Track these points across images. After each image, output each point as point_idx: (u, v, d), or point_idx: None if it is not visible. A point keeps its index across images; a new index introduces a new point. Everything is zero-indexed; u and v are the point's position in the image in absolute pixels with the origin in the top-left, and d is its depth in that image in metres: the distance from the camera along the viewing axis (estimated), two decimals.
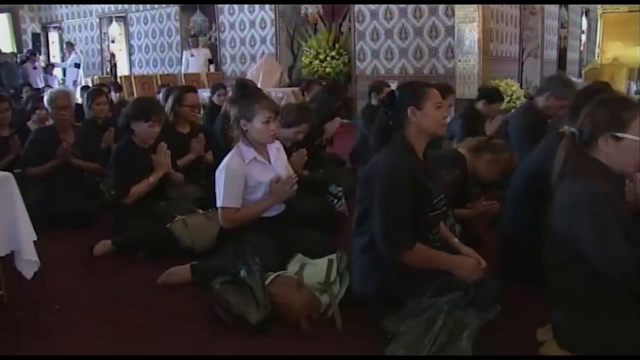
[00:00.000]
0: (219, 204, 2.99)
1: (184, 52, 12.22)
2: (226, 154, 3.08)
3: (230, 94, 6.66)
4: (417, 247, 2.39)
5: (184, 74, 11.68)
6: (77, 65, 13.47)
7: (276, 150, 3.15)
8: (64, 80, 13.92)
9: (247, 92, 3.11)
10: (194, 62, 12.00)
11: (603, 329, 1.89)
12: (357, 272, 2.58)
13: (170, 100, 4.33)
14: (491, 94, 5.07)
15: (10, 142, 4.35)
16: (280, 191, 3.03)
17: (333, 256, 2.76)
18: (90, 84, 11.51)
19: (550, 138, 2.85)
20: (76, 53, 13.78)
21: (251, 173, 2.97)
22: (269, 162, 3.07)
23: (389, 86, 5.40)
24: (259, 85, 9.38)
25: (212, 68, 11.89)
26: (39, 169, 4.16)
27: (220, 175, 2.98)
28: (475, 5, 8.47)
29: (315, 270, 2.70)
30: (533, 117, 3.79)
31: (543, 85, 4.07)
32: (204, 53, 11.89)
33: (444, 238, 2.65)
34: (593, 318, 1.90)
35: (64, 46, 14.27)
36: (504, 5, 9.26)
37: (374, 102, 5.58)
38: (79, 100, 8.28)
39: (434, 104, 2.43)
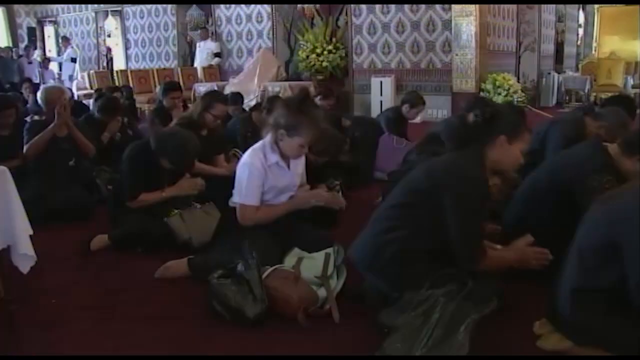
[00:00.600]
0: (238, 199, 2.95)
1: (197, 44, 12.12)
2: None
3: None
4: (489, 253, 2.43)
5: (180, 68, 11.66)
6: (74, 60, 13.40)
7: (299, 161, 3.11)
8: (60, 74, 13.86)
9: (304, 107, 2.89)
10: (198, 54, 11.90)
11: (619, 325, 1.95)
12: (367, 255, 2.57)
13: (200, 104, 4.34)
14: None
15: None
16: (307, 200, 3.06)
17: (330, 250, 2.76)
18: (86, 79, 11.50)
19: (582, 149, 2.90)
20: (72, 47, 13.71)
21: (269, 175, 2.94)
22: (288, 167, 3.02)
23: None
24: (255, 80, 9.42)
25: (216, 62, 11.56)
26: (37, 138, 4.09)
27: (242, 170, 2.93)
28: None
29: (312, 264, 2.70)
30: (577, 131, 3.77)
31: (602, 113, 3.96)
32: (207, 46, 11.68)
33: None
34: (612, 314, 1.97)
35: (60, 41, 14.14)
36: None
37: (405, 113, 5.57)
38: (76, 96, 8.30)
39: (522, 147, 2.46)
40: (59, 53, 15.28)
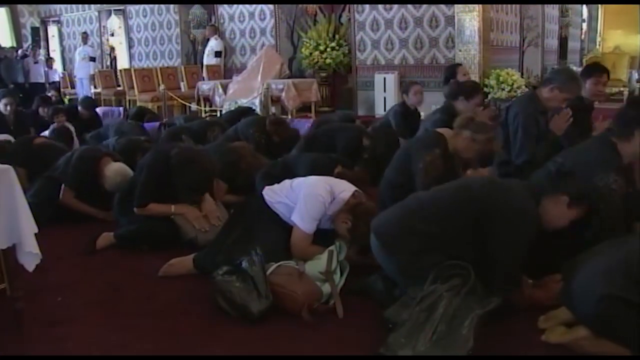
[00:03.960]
0: (298, 223, 2.91)
1: None
2: None
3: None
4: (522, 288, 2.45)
5: (184, 67, 11.65)
6: (93, 59, 13.17)
7: None
8: (63, 74, 13.84)
9: (366, 221, 2.81)
10: (204, 52, 11.81)
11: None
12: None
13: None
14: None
15: None
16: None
17: (333, 247, 2.77)
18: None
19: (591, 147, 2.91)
20: (90, 46, 13.46)
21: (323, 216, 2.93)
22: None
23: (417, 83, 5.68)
24: (259, 77, 9.41)
25: (215, 61, 11.40)
26: (75, 205, 4.03)
27: (309, 195, 2.89)
28: None
29: (316, 260, 2.71)
30: (535, 106, 3.78)
31: (548, 76, 4.04)
32: (210, 44, 11.60)
33: None
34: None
35: (80, 38, 13.72)
36: None
37: (407, 101, 5.61)
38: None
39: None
40: (63, 52, 15.29)
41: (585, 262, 2.18)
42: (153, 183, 3.48)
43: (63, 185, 3.96)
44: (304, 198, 2.89)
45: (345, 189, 2.95)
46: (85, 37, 13.33)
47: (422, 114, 5.91)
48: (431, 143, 3.38)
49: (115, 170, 3.87)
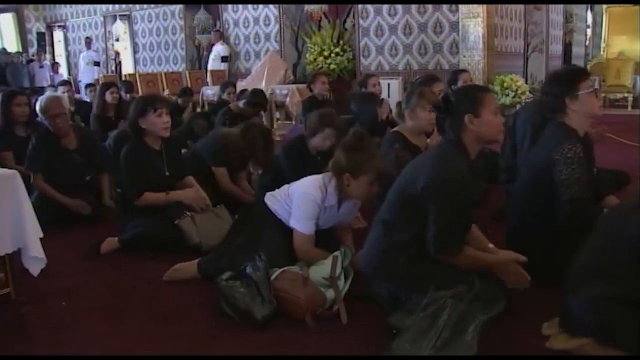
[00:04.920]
0: (296, 226, 2.91)
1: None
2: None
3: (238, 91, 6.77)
4: (465, 250, 2.42)
5: (188, 72, 11.70)
6: (97, 64, 13.25)
7: (352, 204, 3.02)
8: (68, 78, 13.89)
9: (363, 145, 2.84)
10: (211, 57, 11.86)
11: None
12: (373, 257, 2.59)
13: None
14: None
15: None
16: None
17: (337, 252, 2.77)
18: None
19: (552, 130, 2.85)
20: (94, 51, 13.55)
21: (321, 215, 2.92)
22: (338, 209, 2.96)
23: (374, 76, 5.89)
24: (263, 83, 9.43)
25: (223, 66, 11.44)
26: (50, 192, 3.99)
27: (302, 198, 2.89)
28: None
29: (320, 265, 2.71)
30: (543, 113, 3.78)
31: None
32: (216, 49, 11.64)
33: (479, 241, 2.67)
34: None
35: (84, 43, 13.85)
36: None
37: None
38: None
39: (492, 110, 2.42)
40: (68, 57, 15.37)
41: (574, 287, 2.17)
42: (136, 172, 3.56)
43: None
44: (297, 200, 2.91)
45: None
46: (88, 42, 13.40)
47: None
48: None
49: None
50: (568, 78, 2.82)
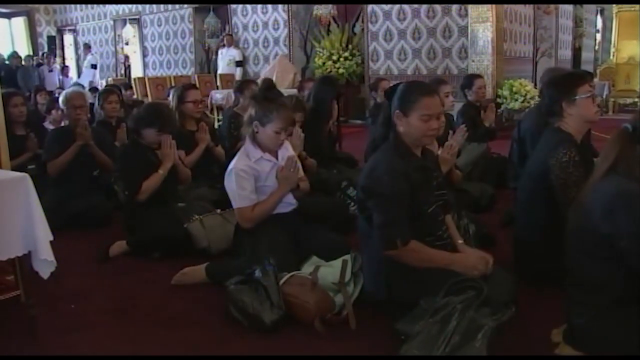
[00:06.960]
0: (234, 205, 3.01)
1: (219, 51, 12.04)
2: (233, 155, 3.10)
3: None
4: (412, 245, 2.37)
5: (197, 75, 11.72)
6: (94, 67, 13.47)
7: (284, 149, 3.14)
8: (77, 82, 14.00)
9: (270, 95, 3.07)
10: (219, 61, 11.83)
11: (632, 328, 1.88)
12: (368, 272, 2.59)
13: (174, 99, 4.46)
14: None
15: (28, 141, 4.46)
16: (287, 175, 2.99)
17: (347, 257, 2.76)
18: (104, 86, 11.61)
19: (547, 136, 2.84)
20: (92, 54, 13.82)
21: (260, 171, 2.98)
22: (277, 159, 3.06)
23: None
24: None
25: (238, 71, 11.36)
26: (61, 158, 4.20)
27: (229, 179, 2.98)
28: (489, 5, 8.43)
29: (329, 270, 2.70)
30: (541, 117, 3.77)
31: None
32: (230, 54, 11.57)
33: (450, 237, 2.64)
34: (625, 318, 1.90)
35: (82, 48, 14.13)
36: (518, 4, 9.20)
37: (379, 100, 5.65)
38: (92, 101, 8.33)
39: (421, 115, 2.38)
40: (78, 60, 15.48)
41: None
42: (134, 168, 3.62)
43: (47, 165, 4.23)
44: (227, 185, 3.01)
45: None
46: (87, 47, 13.66)
47: None
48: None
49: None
50: (566, 82, 2.80)
